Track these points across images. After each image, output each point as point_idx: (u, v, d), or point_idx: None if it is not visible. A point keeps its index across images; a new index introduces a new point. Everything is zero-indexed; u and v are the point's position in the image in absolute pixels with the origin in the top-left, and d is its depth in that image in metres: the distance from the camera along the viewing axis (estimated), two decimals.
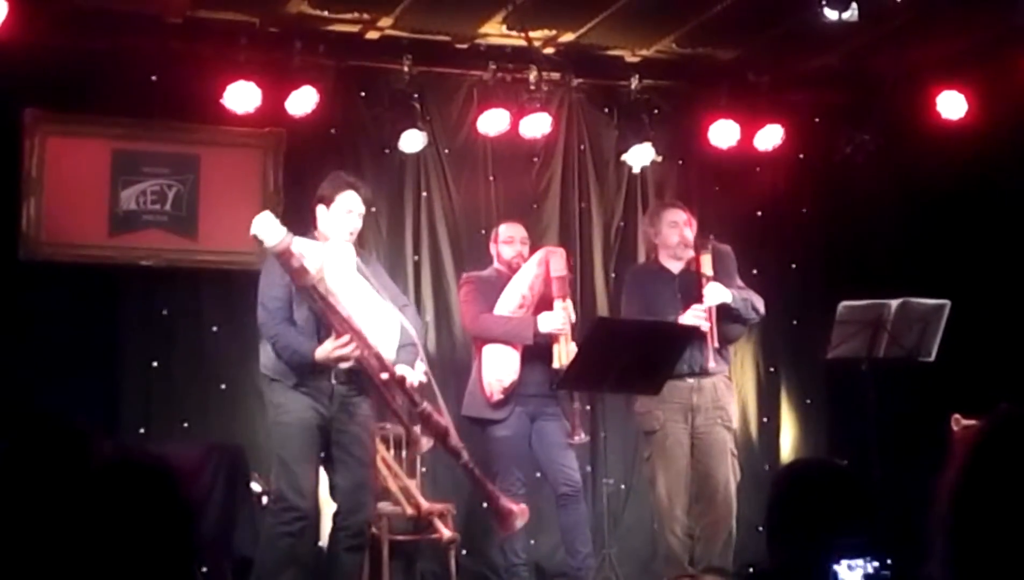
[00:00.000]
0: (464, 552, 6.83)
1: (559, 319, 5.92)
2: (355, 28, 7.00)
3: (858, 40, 6.94)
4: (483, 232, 7.04)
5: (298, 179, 6.79)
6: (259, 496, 6.03)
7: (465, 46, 7.32)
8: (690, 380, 5.92)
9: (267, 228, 4.77)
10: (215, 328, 6.89)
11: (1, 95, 6.47)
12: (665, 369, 5.71)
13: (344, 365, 5.01)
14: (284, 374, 5.11)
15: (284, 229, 4.81)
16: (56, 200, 6.71)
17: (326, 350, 4.95)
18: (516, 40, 7.07)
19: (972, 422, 5.87)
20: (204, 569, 5.73)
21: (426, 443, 5.24)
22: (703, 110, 7.59)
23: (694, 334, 5.81)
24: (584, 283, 7.52)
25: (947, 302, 6.33)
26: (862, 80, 7.56)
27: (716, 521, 5.93)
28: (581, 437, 6.05)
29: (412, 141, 7.10)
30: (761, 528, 4.00)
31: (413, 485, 6.53)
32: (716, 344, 5.89)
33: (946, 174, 7.38)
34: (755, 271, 7.03)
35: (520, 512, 5.42)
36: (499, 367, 5.99)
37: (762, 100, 7.54)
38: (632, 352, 5.53)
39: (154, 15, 6.68)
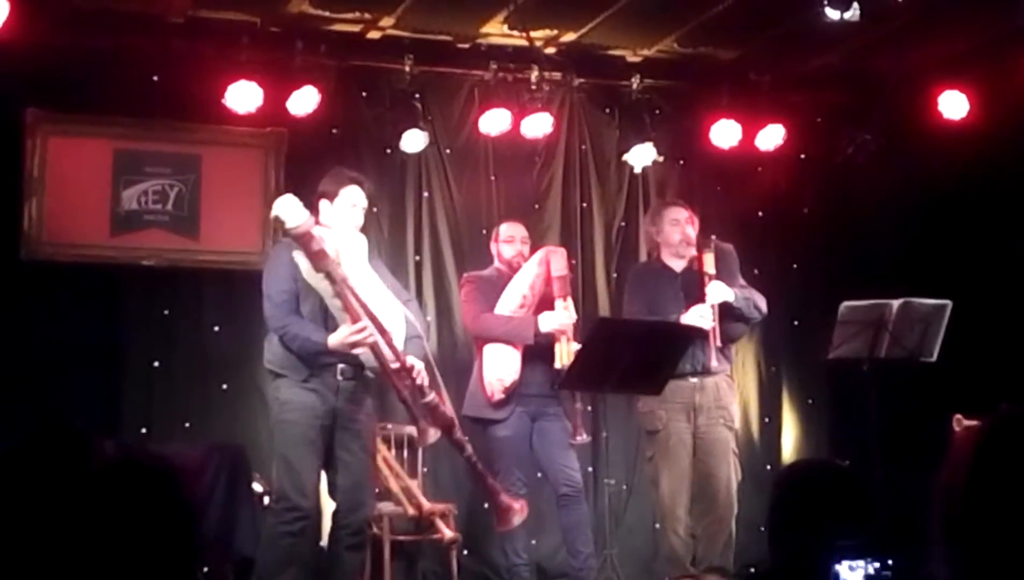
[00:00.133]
0: (465, 552, 6.83)
1: (560, 319, 5.92)
2: (356, 28, 7.01)
3: (860, 40, 6.94)
4: (484, 232, 7.03)
5: (299, 179, 6.74)
6: (260, 496, 6.03)
7: (466, 46, 7.32)
8: (693, 379, 5.91)
9: (289, 210, 4.75)
10: (217, 328, 6.89)
11: (2, 95, 6.48)
12: (667, 369, 5.70)
13: (357, 350, 4.97)
14: (292, 367, 5.08)
15: (306, 211, 4.82)
16: (57, 200, 6.71)
17: (341, 335, 4.91)
18: (517, 40, 7.07)
19: (973, 422, 5.86)
20: (205, 569, 5.73)
21: (433, 435, 5.22)
22: (704, 110, 7.59)
23: (696, 334, 5.80)
24: (585, 283, 7.52)
25: (949, 302, 6.32)
26: (864, 80, 7.56)
27: (717, 521, 5.92)
28: (583, 437, 6.04)
29: (413, 141, 7.10)
30: (763, 528, 4.00)
31: (415, 485, 6.53)
32: (719, 343, 5.89)
33: (948, 174, 7.37)
34: (756, 271, 7.01)
35: (519, 509, 5.43)
36: (500, 367, 5.98)
37: (763, 100, 7.54)
38: (634, 352, 5.51)
39: (155, 15, 6.69)
